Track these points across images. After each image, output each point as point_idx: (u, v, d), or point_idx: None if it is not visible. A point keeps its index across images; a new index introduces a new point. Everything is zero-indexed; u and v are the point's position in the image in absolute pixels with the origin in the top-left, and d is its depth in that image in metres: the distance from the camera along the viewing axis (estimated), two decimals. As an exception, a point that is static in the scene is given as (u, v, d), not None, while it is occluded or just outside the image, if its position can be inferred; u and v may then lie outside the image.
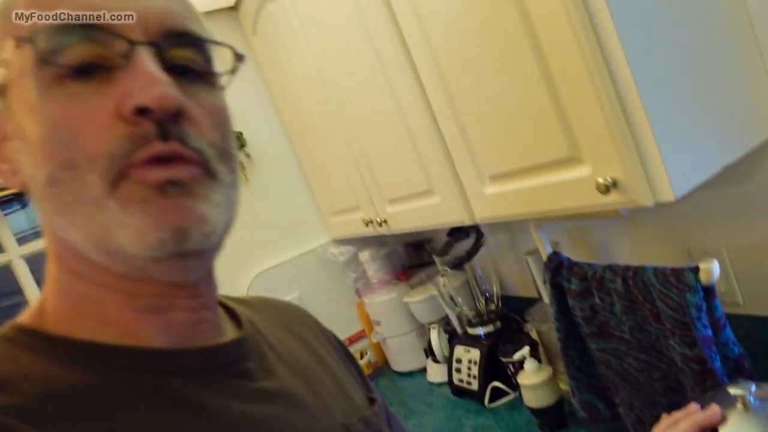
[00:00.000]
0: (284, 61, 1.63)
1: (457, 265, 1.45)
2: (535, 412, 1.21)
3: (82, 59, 0.37)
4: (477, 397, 1.42)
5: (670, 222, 1.07)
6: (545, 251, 1.12)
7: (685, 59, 0.79)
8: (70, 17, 0.38)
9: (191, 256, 0.40)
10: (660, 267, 0.87)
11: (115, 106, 0.37)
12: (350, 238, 1.84)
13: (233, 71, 0.45)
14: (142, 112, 0.36)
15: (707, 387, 0.84)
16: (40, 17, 0.38)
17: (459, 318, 1.54)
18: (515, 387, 1.36)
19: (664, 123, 0.75)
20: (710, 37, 0.83)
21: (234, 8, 1.81)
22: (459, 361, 1.48)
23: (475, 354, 1.43)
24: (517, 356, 1.22)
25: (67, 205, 0.37)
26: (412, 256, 1.95)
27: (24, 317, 0.43)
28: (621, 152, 0.77)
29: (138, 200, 0.37)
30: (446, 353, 1.60)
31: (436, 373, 1.63)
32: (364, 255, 1.80)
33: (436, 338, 1.60)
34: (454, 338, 1.55)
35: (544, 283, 1.09)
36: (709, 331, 0.81)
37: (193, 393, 0.41)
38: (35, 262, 1.62)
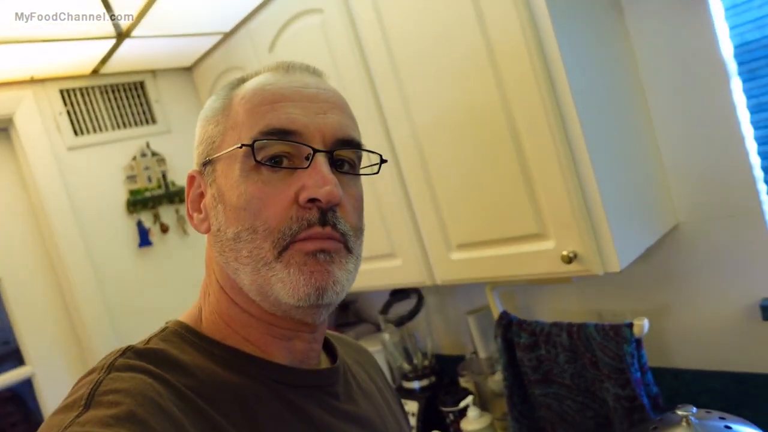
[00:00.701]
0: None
1: (400, 323, 1.59)
2: (476, 456, 1.36)
3: (276, 155, 0.52)
4: (414, 447, 1.53)
5: (604, 288, 1.33)
6: (497, 310, 1.31)
7: (621, 156, 1.07)
8: (277, 130, 0.51)
9: (322, 307, 0.53)
10: (600, 324, 1.10)
11: (294, 194, 0.51)
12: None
13: (377, 172, 0.61)
14: (312, 201, 0.50)
15: (634, 421, 1.06)
16: (254, 125, 0.52)
17: (392, 372, 1.66)
18: (451, 435, 1.50)
19: (614, 209, 1.00)
20: (634, 139, 1.13)
21: (188, 69, 1.86)
22: (396, 414, 1.59)
23: (412, 406, 1.55)
24: (462, 404, 1.38)
25: (243, 257, 0.51)
26: (338, 315, 2.05)
27: (185, 318, 0.57)
28: (581, 230, 1.00)
29: (297, 263, 0.50)
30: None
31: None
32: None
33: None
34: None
35: (495, 338, 1.28)
36: (639, 374, 1.05)
37: (301, 402, 0.54)
38: None
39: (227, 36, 1.65)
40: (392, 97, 1.24)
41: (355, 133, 0.57)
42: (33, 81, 1.60)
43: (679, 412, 0.82)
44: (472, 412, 1.36)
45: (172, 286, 1.74)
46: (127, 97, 1.76)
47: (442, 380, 1.62)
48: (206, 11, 1.45)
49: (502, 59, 1.02)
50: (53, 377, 1.60)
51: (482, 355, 1.49)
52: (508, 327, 1.26)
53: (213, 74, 1.77)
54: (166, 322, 0.57)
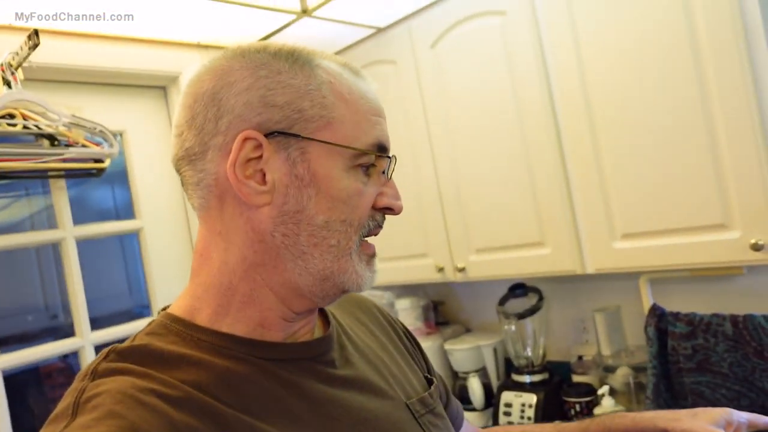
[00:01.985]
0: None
1: (522, 316, 1.65)
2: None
3: (371, 163, 0.57)
4: (530, 438, 1.56)
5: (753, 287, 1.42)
6: (649, 302, 1.39)
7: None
8: (384, 147, 0.58)
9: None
10: (769, 314, 1.19)
11: (375, 199, 0.57)
12: (390, 285, 1.94)
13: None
14: (387, 209, 0.58)
15: (799, 407, 1.14)
16: (366, 134, 0.57)
17: (506, 364, 1.71)
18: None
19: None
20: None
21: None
22: (509, 405, 1.63)
23: (529, 398, 1.60)
24: (600, 391, 1.43)
25: (328, 246, 0.54)
26: (436, 315, 2.09)
27: (173, 307, 0.57)
28: (771, 222, 1.10)
29: (365, 261, 0.57)
30: (482, 401, 1.74)
31: (474, 420, 1.74)
32: (403, 303, 1.90)
33: (477, 386, 1.74)
34: (488, 386, 1.71)
35: (646, 328, 1.35)
36: (812, 362, 1.13)
37: (293, 376, 0.55)
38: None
39: (380, 31, 1.77)
40: (565, 68, 1.34)
41: None
42: (199, 46, 1.68)
43: None
44: (607, 401, 1.42)
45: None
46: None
47: (553, 378, 1.67)
48: (386, 2, 1.57)
49: (704, 35, 1.13)
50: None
51: (605, 352, 1.56)
52: (661, 317, 1.34)
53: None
54: (159, 311, 0.59)
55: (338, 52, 1.92)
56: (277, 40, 1.74)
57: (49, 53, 1.38)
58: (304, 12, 1.55)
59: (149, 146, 1.64)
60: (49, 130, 1.33)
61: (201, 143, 0.54)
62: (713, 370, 1.26)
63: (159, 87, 1.68)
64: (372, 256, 0.58)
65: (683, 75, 1.18)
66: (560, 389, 1.61)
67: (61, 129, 1.34)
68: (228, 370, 0.51)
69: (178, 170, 0.58)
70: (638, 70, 1.24)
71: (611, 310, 1.56)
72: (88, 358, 1.44)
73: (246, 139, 0.52)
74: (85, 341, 1.44)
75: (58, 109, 1.33)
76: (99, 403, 0.44)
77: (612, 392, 1.50)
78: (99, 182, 1.54)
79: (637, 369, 1.50)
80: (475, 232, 1.61)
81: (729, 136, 1.14)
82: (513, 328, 1.68)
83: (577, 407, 1.52)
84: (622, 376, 1.51)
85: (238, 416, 0.49)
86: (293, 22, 1.61)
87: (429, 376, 0.73)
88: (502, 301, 1.72)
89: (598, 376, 1.57)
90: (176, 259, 1.65)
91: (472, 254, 1.63)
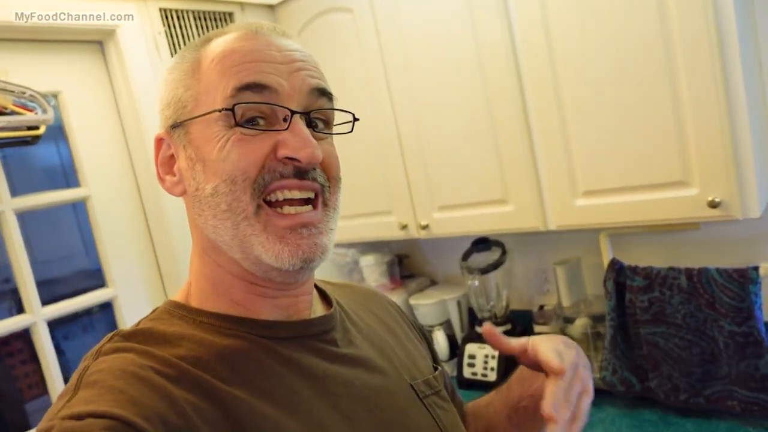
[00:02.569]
0: (345, 49, 1.72)
1: (486, 271, 1.67)
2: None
3: (253, 117, 0.53)
4: (493, 386, 1.61)
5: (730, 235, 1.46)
6: (609, 257, 1.41)
7: (757, 113, 1.19)
8: (252, 84, 0.52)
9: (307, 270, 0.55)
10: (722, 267, 1.22)
11: (271, 148, 0.52)
12: (353, 242, 1.92)
13: (351, 131, 0.60)
14: (290, 159, 0.52)
15: (747, 354, 1.19)
16: (228, 84, 0.53)
17: (470, 318, 1.74)
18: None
19: (759, 159, 1.12)
20: (759, 100, 1.25)
21: (271, 7, 1.85)
22: (473, 356, 1.67)
23: (491, 349, 1.64)
24: (561, 344, 1.47)
25: (222, 212, 0.52)
26: (401, 268, 2.09)
27: (176, 296, 0.59)
28: (729, 177, 1.11)
29: (276, 234, 0.52)
30: (447, 353, 1.78)
31: (439, 371, 1.78)
32: (368, 260, 1.89)
33: (442, 338, 1.77)
34: (453, 338, 1.74)
35: (605, 282, 1.38)
36: (761, 313, 1.18)
37: (292, 353, 0.55)
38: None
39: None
40: (529, 23, 1.29)
41: (326, 85, 0.58)
42: (136, -5, 1.54)
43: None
44: (567, 352, 1.46)
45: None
46: (217, 26, 1.72)
47: (516, 328, 1.71)
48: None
49: None
50: (132, 302, 1.56)
51: (565, 303, 1.59)
52: (620, 271, 1.36)
53: (303, 16, 1.76)
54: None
55: (282, 2, 1.80)
56: None
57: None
58: (250, -43, 1.43)
59: (89, 107, 1.53)
60: (-27, 97, 1.22)
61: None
62: (668, 321, 1.30)
63: (95, 42, 1.54)
64: (288, 228, 0.52)
65: (648, 31, 1.14)
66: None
67: (-14, 95, 1.23)
68: (227, 347, 0.52)
69: None
70: (603, 27, 1.20)
71: (572, 263, 1.59)
72: (42, 334, 1.39)
73: (158, 141, 0.58)
74: (36, 317, 1.38)
75: (-21, 74, 1.21)
76: (100, 379, 0.46)
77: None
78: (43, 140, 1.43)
79: (596, 319, 1.55)
80: (438, 189, 1.58)
81: (692, 96, 1.12)
82: (476, 283, 1.69)
83: (539, 357, 1.56)
84: (580, 326, 1.56)
85: (234, 393, 0.49)
86: (239, -32, 1.48)
87: (435, 364, 0.73)
88: (466, 256, 1.73)
89: (559, 326, 1.62)
90: (128, 224, 1.58)
91: (435, 211, 1.61)
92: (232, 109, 0.52)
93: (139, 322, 0.56)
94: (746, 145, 1.10)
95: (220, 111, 0.52)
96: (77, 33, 1.47)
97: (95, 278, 1.55)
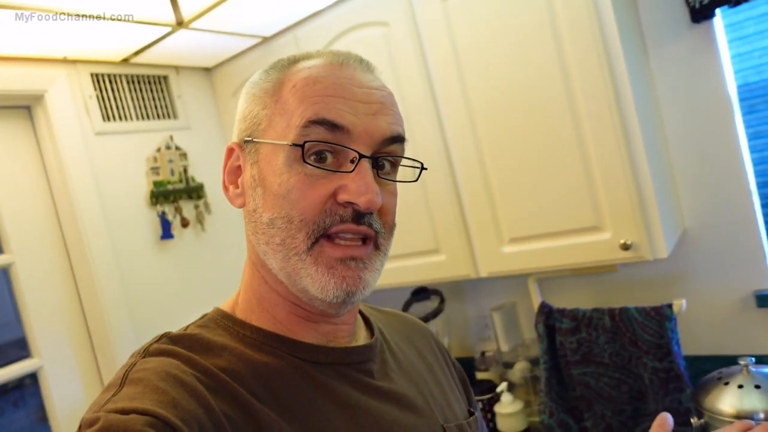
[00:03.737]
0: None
1: (426, 320, 1.68)
2: (506, 440, 1.47)
3: (322, 151, 0.53)
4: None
5: (646, 275, 1.53)
6: (538, 300, 1.46)
7: (658, 161, 1.29)
8: (326, 121, 0.52)
9: (348, 303, 0.55)
10: (640, 306, 1.28)
11: (333, 191, 0.52)
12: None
13: (416, 180, 0.63)
14: (350, 204, 0.52)
15: (670, 390, 1.24)
16: (303, 115, 0.53)
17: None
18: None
19: (661, 204, 1.21)
20: (659, 150, 1.35)
21: (208, 70, 1.89)
22: (417, 408, 1.66)
23: (435, 400, 1.64)
24: (499, 389, 1.49)
25: (275, 244, 0.53)
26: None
27: (224, 304, 0.61)
28: (637, 221, 1.19)
29: (326, 264, 0.52)
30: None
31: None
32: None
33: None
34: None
35: (536, 325, 1.42)
36: (677, 348, 1.24)
37: (327, 379, 0.55)
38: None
39: (266, 40, 1.72)
40: (449, 86, 1.37)
41: (401, 129, 0.57)
42: (66, 61, 1.55)
43: (741, 362, 1.00)
44: (506, 397, 1.48)
45: (191, 281, 1.71)
46: (151, 90, 1.74)
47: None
48: (270, 12, 1.52)
49: (571, 54, 1.20)
50: (61, 370, 1.49)
51: (504, 348, 1.62)
52: (549, 314, 1.41)
53: (239, 77, 1.81)
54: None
55: (223, 63, 1.85)
56: (154, 51, 1.65)
57: None
58: (180, 24, 1.47)
59: (16, 173, 1.50)
60: None
61: None
62: (596, 360, 1.34)
63: (22, 107, 1.53)
64: (339, 259, 0.52)
65: (555, 93, 1.24)
66: (464, 388, 1.66)
67: None
68: (266, 365, 0.53)
69: None
70: (514, 90, 1.29)
71: (507, 308, 1.63)
72: (-43, 413, 1.30)
73: (229, 150, 0.59)
74: (-49, 396, 1.30)
75: None
76: (145, 377, 0.47)
77: (511, 386, 1.57)
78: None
79: (534, 362, 1.58)
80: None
81: (597, 150, 1.21)
82: (416, 332, 1.71)
83: (480, 405, 1.57)
84: (519, 370, 1.59)
85: (266, 411, 0.50)
86: (169, 34, 1.52)
87: (471, 409, 0.72)
88: (406, 307, 1.75)
89: (499, 372, 1.64)
90: (56, 293, 1.53)
91: (373, 264, 1.63)
92: (302, 146, 0.51)
93: (188, 327, 0.57)
94: (649, 191, 1.18)
95: (291, 145, 0.52)
96: (4, 99, 1.46)
97: (23, 348, 1.48)
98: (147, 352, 0.52)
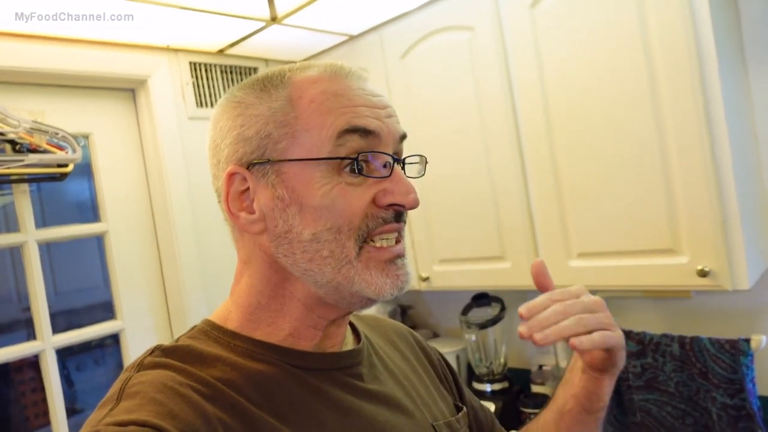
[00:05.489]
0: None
1: (484, 326, 1.68)
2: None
3: (359, 160, 0.55)
4: (487, 446, 1.59)
5: (717, 306, 1.45)
6: (603, 319, 1.41)
7: (749, 184, 1.21)
8: (359, 128, 0.54)
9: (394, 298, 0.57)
10: (714, 337, 1.21)
11: (373, 196, 0.55)
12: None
13: (423, 175, 0.65)
14: (391, 206, 0.55)
15: (740, 429, 1.17)
16: (332, 125, 0.54)
17: (469, 371, 1.73)
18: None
19: (748, 230, 1.13)
20: (752, 171, 1.27)
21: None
22: (468, 413, 1.66)
23: (487, 407, 1.62)
24: (554, 406, 1.46)
25: (322, 258, 0.54)
26: (404, 321, 2.11)
27: (213, 316, 0.61)
28: (717, 247, 1.12)
29: (378, 268, 0.55)
30: (444, 408, 1.77)
31: (434, 426, 1.77)
32: (370, 309, 1.92)
33: (439, 393, 1.77)
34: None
35: (599, 344, 1.38)
36: (752, 386, 1.16)
37: (321, 384, 0.57)
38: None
39: (352, 38, 1.77)
40: (529, 92, 1.35)
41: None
42: (168, 49, 1.67)
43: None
44: (560, 414, 1.44)
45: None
46: (242, 80, 1.83)
47: (513, 387, 1.70)
48: (359, 11, 1.57)
49: (661, 66, 1.15)
50: (139, 333, 1.62)
51: (562, 364, 1.58)
52: (613, 335, 1.36)
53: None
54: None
55: (309, 59, 1.92)
56: (247, 46, 1.74)
57: (13, 57, 1.37)
58: (273, 20, 1.55)
59: (117, 149, 1.64)
60: (11, 136, 1.33)
61: (217, 187, 0.60)
62: (660, 388, 1.29)
63: (127, 90, 1.67)
64: (388, 260, 0.56)
65: (640, 105, 1.19)
66: (518, 399, 1.64)
67: (22, 134, 1.34)
68: (260, 373, 0.54)
69: None
70: (596, 103, 1.26)
71: (570, 324, 1.59)
72: (49, 362, 1.45)
73: (230, 175, 0.56)
74: (45, 345, 1.45)
75: (18, 115, 1.33)
76: (142, 390, 0.48)
77: (568, 404, 1.53)
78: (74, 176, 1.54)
79: (593, 382, 1.53)
80: (438, 243, 1.62)
81: (681, 166, 1.15)
82: (473, 338, 1.70)
83: (532, 417, 1.54)
84: (577, 388, 1.54)
85: (264, 417, 0.51)
86: (262, 29, 1.60)
87: (460, 404, 0.74)
88: (466, 310, 1.75)
89: (555, 387, 1.60)
90: (142, 262, 1.65)
91: (436, 264, 1.64)
92: (355, 159, 0.53)
93: (179, 339, 0.58)
94: (734, 215, 1.12)
95: (341, 159, 0.53)
96: (112, 81, 1.60)
97: (109, 310, 1.62)
98: (141, 366, 0.53)
